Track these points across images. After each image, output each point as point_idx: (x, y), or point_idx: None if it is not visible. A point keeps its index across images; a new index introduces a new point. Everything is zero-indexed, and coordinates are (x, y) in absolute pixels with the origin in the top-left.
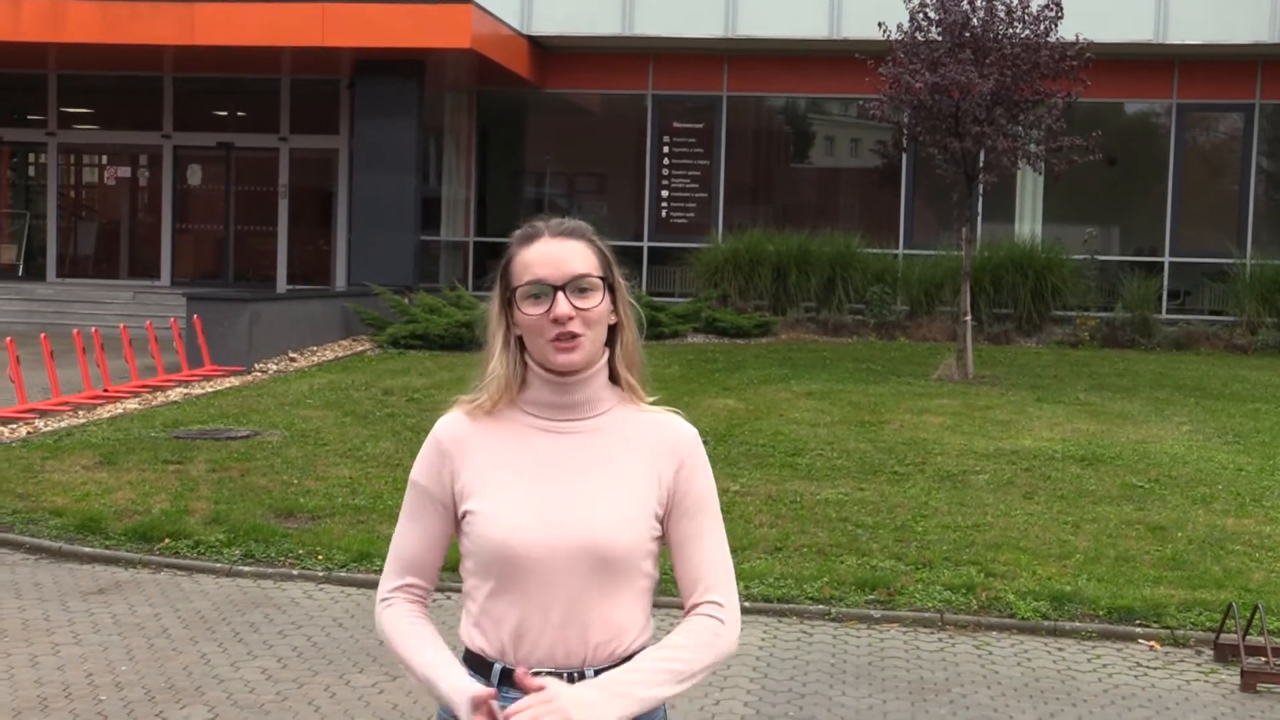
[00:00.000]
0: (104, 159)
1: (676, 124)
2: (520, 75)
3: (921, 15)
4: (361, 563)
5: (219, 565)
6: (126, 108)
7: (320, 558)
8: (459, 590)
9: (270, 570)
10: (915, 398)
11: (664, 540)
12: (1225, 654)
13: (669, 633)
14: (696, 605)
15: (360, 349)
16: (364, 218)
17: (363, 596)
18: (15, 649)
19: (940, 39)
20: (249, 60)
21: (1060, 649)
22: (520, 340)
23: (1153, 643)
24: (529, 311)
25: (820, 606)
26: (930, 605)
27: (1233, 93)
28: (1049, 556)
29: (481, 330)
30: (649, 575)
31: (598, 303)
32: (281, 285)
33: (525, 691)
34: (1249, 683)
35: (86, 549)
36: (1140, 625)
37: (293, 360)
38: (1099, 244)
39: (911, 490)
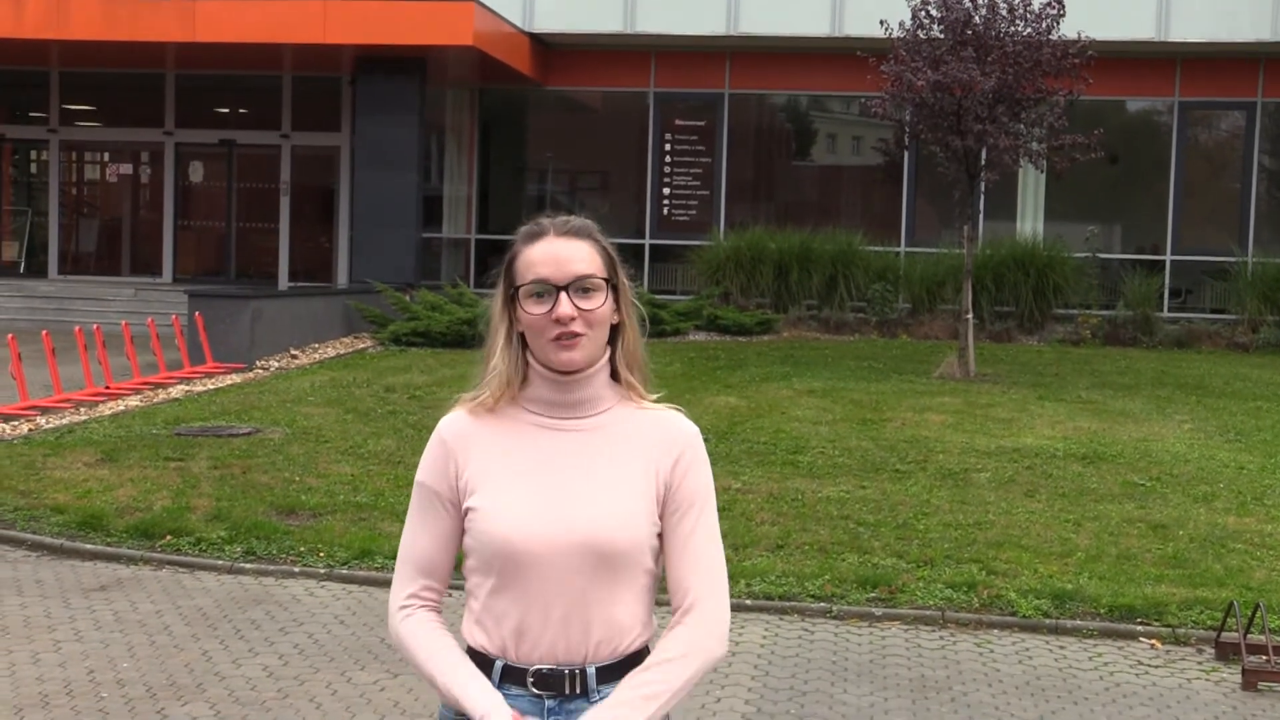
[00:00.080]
0: (106, 156)
1: (678, 121)
2: (522, 72)
3: (923, 13)
4: (363, 560)
5: (220, 562)
6: (128, 105)
7: (322, 555)
8: (460, 589)
9: (272, 567)
10: (917, 395)
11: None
12: (1226, 652)
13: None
14: (680, 614)
15: (362, 346)
16: (366, 215)
17: (364, 594)
18: (17, 646)
19: (942, 37)
20: (251, 57)
21: (1061, 647)
22: (522, 337)
23: (1154, 641)
24: (531, 310)
25: (821, 604)
26: (931, 603)
27: (1235, 91)
28: (1050, 555)
29: (484, 327)
30: (650, 572)
31: (600, 303)
32: (283, 282)
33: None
34: (1250, 681)
35: (88, 546)
36: (1141, 623)
37: (294, 357)
38: (1100, 242)
39: (913, 488)
